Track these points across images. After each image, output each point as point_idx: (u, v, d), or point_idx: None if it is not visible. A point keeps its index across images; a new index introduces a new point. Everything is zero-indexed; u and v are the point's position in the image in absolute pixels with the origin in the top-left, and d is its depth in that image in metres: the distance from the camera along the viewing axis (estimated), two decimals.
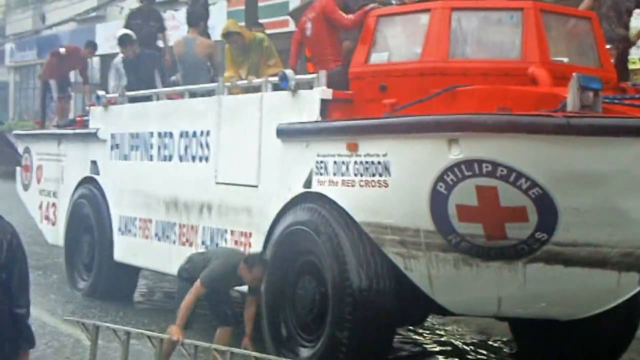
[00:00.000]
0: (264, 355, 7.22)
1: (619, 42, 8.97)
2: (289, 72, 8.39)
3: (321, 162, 7.78)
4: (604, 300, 7.06)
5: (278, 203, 8.26)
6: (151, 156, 10.32)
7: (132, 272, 11.07)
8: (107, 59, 30.78)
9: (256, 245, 8.47)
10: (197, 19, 11.71)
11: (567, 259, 6.71)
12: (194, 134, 9.61)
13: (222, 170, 9.18)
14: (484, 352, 9.35)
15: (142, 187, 10.45)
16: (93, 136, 11.40)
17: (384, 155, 7.14)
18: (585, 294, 7.02)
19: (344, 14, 8.77)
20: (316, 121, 8.00)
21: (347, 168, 7.48)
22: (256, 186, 8.64)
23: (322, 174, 7.77)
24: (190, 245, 9.48)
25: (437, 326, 10.35)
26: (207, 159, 9.40)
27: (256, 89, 9.05)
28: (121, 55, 12.19)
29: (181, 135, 9.82)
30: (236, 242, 8.82)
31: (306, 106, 8.15)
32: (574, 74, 6.35)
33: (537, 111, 6.47)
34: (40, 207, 12.78)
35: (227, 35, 9.73)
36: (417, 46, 7.81)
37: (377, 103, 7.60)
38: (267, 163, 8.52)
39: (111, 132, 11.13)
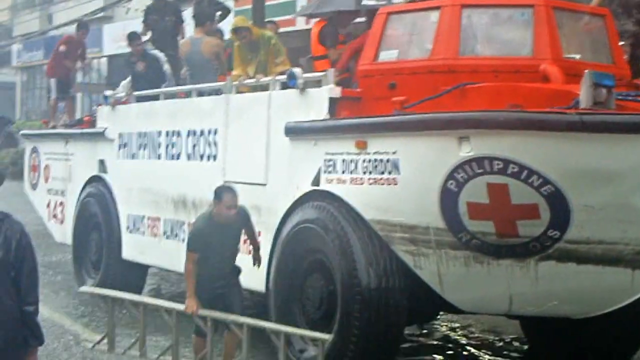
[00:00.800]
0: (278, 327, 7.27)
1: (627, 39, 8.85)
2: (297, 70, 8.33)
3: (330, 160, 7.71)
4: (617, 298, 6.96)
5: (286, 201, 8.18)
6: (159, 155, 10.26)
7: (140, 270, 11.00)
8: (114, 59, 30.80)
9: (265, 244, 8.38)
10: (204, 19, 11.61)
11: (580, 257, 6.63)
12: (202, 132, 9.54)
13: (230, 168, 9.11)
14: (494, 351, 9.26)
15: (150, 186, 10.39)
16: (101, 135, 11.34)
17: (394, 153, 7.06)
18: (598, 292, 6.93)
19: None
20: (324, 119, 7.91)
21: (356, 166, 7.40)
22: (264, 184, 8.57)
23: (330, 172, 7.70)
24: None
25: (446, 324, 10.26)
26: (215, 158, 9.34)
27: (264, 87, 8.98)
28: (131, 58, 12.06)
29: (189, 134, 9.76)
30: (244, 241, 8.72)
31: (314, 104, 8.08)
32: (586, 70, 6.28)
33: (550, 108, 6.37)
34: (48, 205, 12.72)
35: (236, 30, 9.64)
36: (427, 44, 7.73)
37: (386, 101, 7.51)
38: (275, 161, 8.44)
39: (119, 131, 11.07)
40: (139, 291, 11.29)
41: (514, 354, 9.19)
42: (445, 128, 6.69)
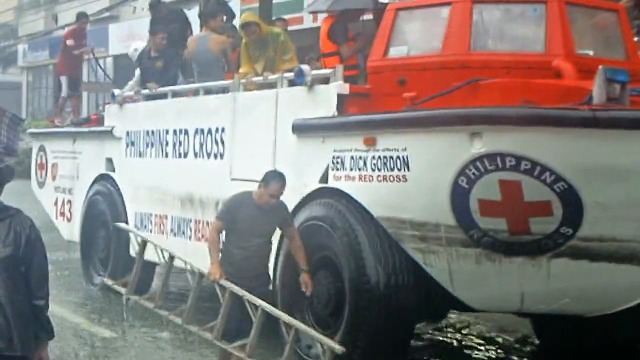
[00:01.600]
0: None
1: (637, 34, 8.76)
2: (305, 67, 8.26)
3: (338, 157, 7.63)
4: (630, 296, 6.86)
5: (294, 198, 8.09)
6: (166, 153, 10.20)
7: (147, 268, 10.91)
8: (119, 59, 30.74)
9: (272, 241, 8.29)
10: (209, 16, 11.51)
11: (593, 255, 6.54)
12: (209, 130, 9.47)
13: (237, 166, 9.03)
14: (504, 349, 9.18)
15: (157, 184, 10.33)
16: (108, 134, 11.29)
17: (404, 149, 6.98)
18: (611, 290, 6.83)
19: None
20: (333, 116, 7.83)
21: (365, 163, 7.32)
22: None
23: (338, 169, 7.63)
24: (206, 240, 9.31)
25: (455, 322, 10.18)
26: (222, 156, 9.27)
27: (271, 85, 8.90)
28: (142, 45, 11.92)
29: (196, 132, 9.69)
30: None
31: (322, 101, 8.00)
32: (600, 66, 6.19)
33: (563, 104, 6.28)
34: (56, 203, 12.68)
35: (244, 25, 9.55)
36: (437, 39, 7.64)
37: (396, 97, 7.43)
38: (283, 159, 8.36)
39: (126, 129, 11.00)
40: (146, 289, 11.26)
41: (524, 353, 9.10)
42: (456, 124, 6.59)
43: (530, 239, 6.56)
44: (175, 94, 10.52)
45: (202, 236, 9.40)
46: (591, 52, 7.51)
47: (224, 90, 9.69)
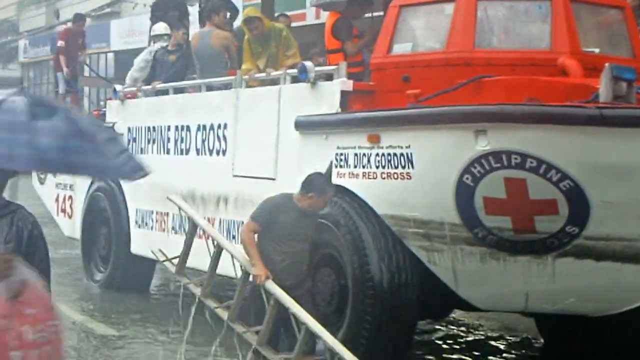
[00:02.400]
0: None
1: None
2: (308, 64, 8.22)
3: (341, 154, 7.57)
4: (636, 296, 6.82)
5: None
6: (168, 150, 10.15)
7: (148, 265, 10.89)
8: (120, 55, 30.70)
9: None
10: (213, 12, 11.45)
11: (599, 254, 6.49)
12: (211, 127, 9.42)
13: (239, 163, 8.98)
14: (508, 349, 9.12)
15: (159, 181, 10.20)
16: None
17: (408, 147, 6.93)
18: (617, 289, 6.79)
19: None
20: (336, 113, 7.77)
21: (369, 160, 7.27)
22: (274, 179, 8.44)
23: (342, 167, 7.57)
24: (207, 238, 9.25)
25: (459, 321, 10.13)
26: (224, 152, 9.22)
27: (274, 81, 8.84)
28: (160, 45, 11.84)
29: (198, 129, 9.64)
30: None
31: (326, 98, 7.95)
32: (606, 64, 6.15)
33: (569, 102, 6.23)
34: (57, 200, 12.63)
35: (247, 20, 9.50)
36: (441, 36, 7.59)
37: (400, 94, 7.38)
38: (285, 156, 8.31)
39: (128, 125, 10.94)
40: (147, 286, 11.24)
41: (529, 353, 9.05)
42: (461, 121, 6.54)
43: (535, 238, 6.51)
44: (178, 90, 10.47)
45: (203, 233, 9.34)
46: (597, 50, 7.44)
47: (226, 86, 9.64)
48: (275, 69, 9.06)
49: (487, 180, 6.40)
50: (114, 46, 31.28)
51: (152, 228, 10.32)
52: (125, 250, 10.78)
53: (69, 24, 15.14)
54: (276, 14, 12.75)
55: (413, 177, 6.89)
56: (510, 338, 9.47)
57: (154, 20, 12.03)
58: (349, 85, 7.85)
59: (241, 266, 7.46)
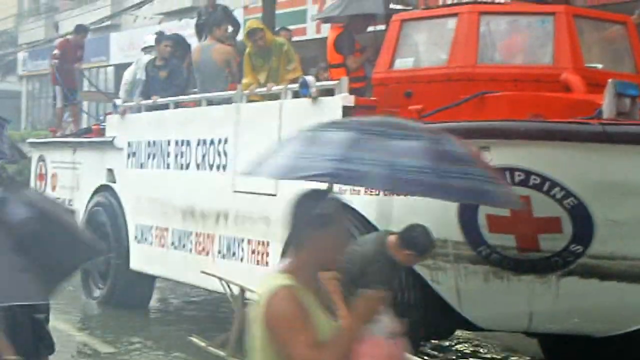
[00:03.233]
0: None
1: None
2: (309, 78, 8.19)
3: None
4: None
5: None
6: (168, 164, 10.14)
7: (147, 281, 10.88)
8: (120, 68, 30.70)
9: (274, 255, 8.23)
10: (215, 25, 11.46)
11: (603, 273, 6.46)
12: (212, 141, 9.41)
13: (239, 178, 8.95)
14: None
15: (158, 195, 10.27)
16: (109, 144, 11.23)
17: None
18: (622, 309, 6.75)
19: None
20: None
21: None
22: (274, 195, 8.40)
23: None
24: (207, 254, 9.26)
25: (462, 341, 10.08)
26: (224, 167, 9.20)
27: (275, 96, 8.84)
28: (149, 56, 11.86)
29: (199, 143, 9.63)
30: (253, 252, 8.59)
31: (327, 113, 7.91)
32: (609, 80, 6.14)
33: (572, 118, 6.22)
34: None
35: (251, 32, 9.50)
36: (444, 51, 7.59)
37: (402, 110, 7.36)
38: None
39: (128, 140, 10.94)
40: (146, 303, 11.21)
41: None
42: (464, 137, 6.45)
43: (539, 257, 6.49)
44: (178, 105, 10.47)
45: (203, 249, 9.33)
46: (600, 65, 7.45)
47: (227, 100, 9.63)
48: (276, 84, 9.06)
49: None
50: (114, 60, 31.27)
51: (151, 243, 10.31)
52: (124, 266, 10.75)
53: (70, 38, 14.99)
54: (277, 28, 12.75)
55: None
56: (514, 359, 9.43)
57: (158, 41, 11.92)
58: (350, 100, 7.84)
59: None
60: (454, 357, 9.36)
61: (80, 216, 11.75)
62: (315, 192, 3.76)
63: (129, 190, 10.90)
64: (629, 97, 6.12)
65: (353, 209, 7.42)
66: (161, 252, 10.08)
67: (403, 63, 7.85)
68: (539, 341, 8.86)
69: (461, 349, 9.76)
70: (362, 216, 7.37)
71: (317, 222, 3.60)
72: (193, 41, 12.53)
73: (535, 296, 6.70)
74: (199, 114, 9.93)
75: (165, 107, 10.59)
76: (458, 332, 9.47)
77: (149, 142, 10.55)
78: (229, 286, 8.14)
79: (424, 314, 7.19)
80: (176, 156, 10.02)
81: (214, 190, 9.28)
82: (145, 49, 12.49)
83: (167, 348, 8.97)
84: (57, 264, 3.85)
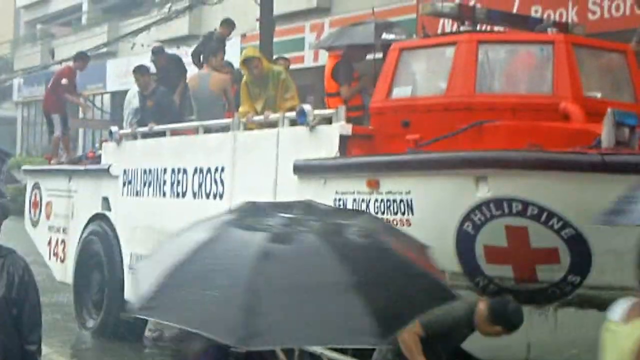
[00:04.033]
0: None
1: None
2: (307, 107, 8.25)
3: (340, 199, 7.59)
4: None
5: None
6: (164, 192, 10.15)
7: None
8: (117, 95, 30.81)
9: None
10: (211, 54, 11.58)
11: (602, 304, 6.43)
12: (209, 170, 9.44)
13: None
14: None
15: (154, 224, 10.26)
16: (105, 172, 11.25)
17: (407, 193, 6.95)
18: None
19: None
20: (335, 157, 7.81)
21: (367, 206, 7.28)
22: None
23: None
24: None
25: None
26: (221, 196, 9.23)
27: (272, 124, 8.89)
28: (135, 87, 12.04)
29: (195, 172, 9.66)
30: None
31: (325, 142, 7.98)
32: (608, 109, 6.18)
33: (570, 148, 6.27)
34: (49, 243, 12.61)
35: (247, 60, 9.57)
36: (442, 80, 7.65)
37: (400, 139, 7.43)
38: (283, 200, 8.31)
39: (124, 167, 10.97)
40: (140, 334, 11.18)
41: None
42: (461, 167, 6.58)
43: (537, 287, 6.52)
44: (174, 133, 10.52)
45: None
46: (599, 95, 7.50)
47: (224, 128, 9.68)
48: (273, 112, 9.12)
49: (488, 228, 6.43)
50: (111, 87, 31.38)
51: None
52: (118, 296, 10.71)
53: (70, 63, 14.94)
54: (275, 56, 12.85)
55: (413, 224, 6.90)
56: None
57: (134, 72, 12.05)
58: (348, 129, 7.89)
59: None
60: None
61: (75, 245, 11.78)
62: None
63: (125, 218, 10.91)
64: (628, 127, 6.17)
65: None
66: None
67: (401, 92, 7.91)
68: None
69: None
70: None
71: None
72: (192, 68, 12.66)
73: (533, 327, 6.71)
74: (195, 142, 9.97)
75: (161, 134, 10.64)
76: None
77: (145, 170, 10.57)
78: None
79: (420, 345, 7.20)
80: (172, 184, 10.04)
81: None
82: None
83: None
84: (400, 303, 3.66)
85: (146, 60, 13.20)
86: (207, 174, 9.48)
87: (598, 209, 6.11)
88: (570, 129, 6.83)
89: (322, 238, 3.79)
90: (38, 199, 13.06)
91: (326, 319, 3.57)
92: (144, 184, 10.57)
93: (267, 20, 16.38)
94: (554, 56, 7.36)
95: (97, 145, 14.61)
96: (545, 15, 14.87)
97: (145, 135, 10.95)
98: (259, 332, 3.50)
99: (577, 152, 6.19)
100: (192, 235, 4.00)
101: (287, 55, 13.37)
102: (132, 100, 12.41)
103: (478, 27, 8.26)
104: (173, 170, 10.04)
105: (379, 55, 9.51)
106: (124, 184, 10.94)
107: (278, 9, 18.25)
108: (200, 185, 9.56)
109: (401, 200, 6.98)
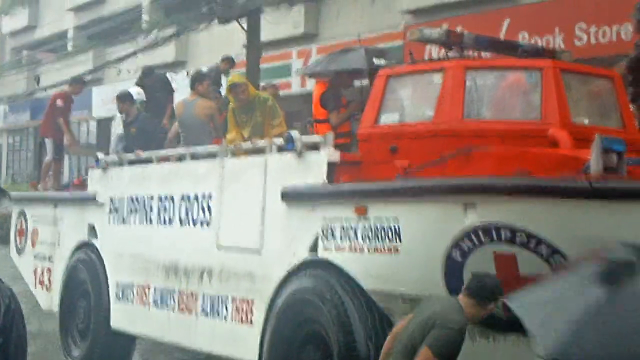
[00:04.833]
0: None
1: (631, 101, 8.80)
2: (294, 133, 8.25)
3: (328, 226, 7.59)
4: None
5: (282, 269, 8.05)
6: (151, 220, 10.14)
7: (128, 341, 10.80)
8: (103, 122, 30.82)
9: (258, 313, 8.23)
10: (197, 81, 11.59)
11: None
12: (196, 197, 9.44)
13: (224, 234, 8.98)
14: None
15: (141, 252, 10.25)
16: (91, 199, 11.22)
17: (395, 219, 6.95)
18: None
19: None
20: (323, 184, 7.82)
21: (356, 233, 7.29)
22: (259, 251, 8.45)
23: (328, 239, 7.59)
24: (190, 312, 9.23)
25: None
26: (208, 223, 9.22)
27: (260, 151, 8.90)
28: (119, 115, 12.09)
29: (182, 199, 9.65)
30: (237, 310, 8.58)
31: (312, 168, 7.99)
32: (596, 135, 6.19)
33: (559, 174, 6.28)
34: (35, 271, 12.55)
35: (233, 86, 9.58)
36: (429, 106, 7.67)
37: (387, 165, 7.44)
38: (271, 227, 8.33)
39: (110, 195, 10.95)
40: None
41: None
42: (449, 194, 6.59)
43: None
44: (161, 159, 10.51)
45: (186, 307, 9.31)
46: (587, 121, 7.54)
47: (211, 155, 9.67)
48: (260, 138, 9.12)
49: (476, 255, 6.43)
50: (96, 113, 31.40)
51: (132, 301, 10.27)
52: (105, 324, 10.67)
53: (66, 87, 14.94)
54: (263, 83, 12.89)
55: (401, 251, 6.90)
56: None
57: (117, 98, 12.12)
58: (335, 155, 7.91)
59: None
60: None
61: (61, 274, 11.72)
62: None
63: (111, 246, 10.88)
64: (616, 153, 6.19)
65: (337, 266, 7.47)
66: (143, 311, 10.04)
67: (388, 118, 7.93)
68: None
69: None
70: (347, 274, 7.40)
71: None
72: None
73: (522, 356, 6.69)
74: (182, 169, 9.95)
75: (148, 161, 10.63)
76: None
77: (131, 198, 10.55)
78: None
79: None
80: (159, 212, 10.03)
81: (197, 246, 9.29)
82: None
83: None
84: None
85: (133, 86, 13.20)
86: (194, 201, 9.48)
87: (586, 236, 6.16)
88: (558, 155, 6.84)
89: None
90: (24, 226, 13.01)
91: None
92: (131, 212, 10.55)
93: (254, 46, 16.47)
94: (542, 82, 7.39)
95: (83, 172, 14.56)
96: (532, 41, 15.01)
97: (131, 162, 10.94)
98: None
99: (566, 178, 6.20)
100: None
101: (274, 82, 13.41)
102: (118, 127, 12.45)
103: (465, 53, 8.29)
104: (160, 198, 10.03)
105: (367, 81, 9.56)
106: (110, 212, 10.92)
107: (265, 35, 18.35)
108: (187, 213, 9.55)
109: (389, 227, 6.99)
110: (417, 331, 6.04)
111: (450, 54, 8.17)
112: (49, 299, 12.17)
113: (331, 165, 7.87)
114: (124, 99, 11.82)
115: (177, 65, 25.95)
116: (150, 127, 11.64)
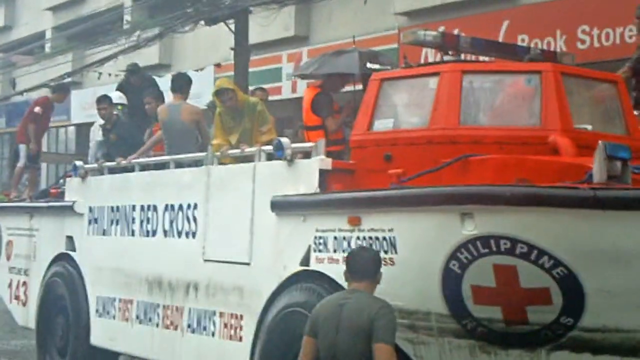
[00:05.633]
0: None
1: (635, 106, 8.86)
2: (284, 140, 8.27)
3: (320, 237, 7.62)
4: None
5: (272, 282, 8.07)
6: (133, 231, 10.15)
7: (109, 358, 10.80)
8: (82, 128, 30.74)
9: (248, 328, 8.24)
10: (183, 84, 11.59)
11: (596, 347, 6.49)
12: (180, 207, 9.45)
13: (210, 246, 9.00)
14: None
15: (122, 265, 10.25)
16: (69, 209, 11.22)
17: (390, 230, 6.97)
18: None
19: None
20: (314, 193, 7.84)
21: (349, 244, 7.30)
22: (248, 264, 8.47)
23: (321, 251, 7.61)
24: (175, 328, 9.24)
25: None
26: (194, 235, 9.23)
27: (248, 158, 8.92)
28: (98, 122, 12.11)
29: (166, 209, 9.66)
30: (226, 325, 8.59)
31: (303, 177, 8.02)
32: (600, 142, 6.21)
33: (560, 183, 6.31)
34: (10, 285, 12.56)
35: (219, 92, 9.60)
36: (425, 112, 7.68)
37: (382, 174, 7.46)
38: (260, 239, 8.35)
39: (89, 205, 10.95)
40: None
41: None
42: (446, 203, 6.60)
43: (527, 330, 6.51)
44: (143, 167, 10.52)
45: (171, 323, 9.32)
46: (589, 127, 7.55)
47: (196, 163, 9.68)
48: (249, 145, 9.14)
49: (475, 267, 6.44)
50: (75, 119, 31.35)
51: (114, 317, 10.27)
52: (84, 341, 10.70)
53: (49, 93, 14.99)
54: (252, 88, 12.90)
55: (396, 263, 6.92)
56: None
57: (97, 101, 12.17)
58: (327, 163, 7.93)
59: None
60: None
61: (37, 288, 11.72)
62: None
63: (90, 259, 10.88)
64: (620, 160, 6.19)
65: (330, 279, 7.49)
66: (125, 327, 10.05)
67: (382, 124, 7.95)
68: None
69: None
70: (340, 286, 7.40)
71: None
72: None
73: None
74: (166, 177, 9.97)
75: (129, 169, 10.64)
76: None
77: (112, 207, 10.56)
78: None
79: None
80: (142, 222, 10.04)
81: (182, 259, 9.30)
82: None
83: None
84: None
85: (113, 91, 13.24)
86: (178, 211, 9.49)
87: (590, 246, 6.19)
88: (560, 162, 6.87)
89: None
90: None
91: None
92: (111, 222, 10.56)
93: (242, 49, 16.50)
94: (542, 87, 7.41)
95: (60, 181, 14.57)
96: (532, 44, 15.05)
97: (112, 170, 10.95)
98: None
99: (568, 187, 6.20)
100: None
101: (263, 86, 13.43)
102: (97, 133, 12.46)
103: (462, 57, 8.32)
104: (142, 208, 10.05)
105: (359, 86, 9.60)
106: (90, 222, 10.92)
107: (253, 37, 18.37)
108: (171, 223, 9.56)
109: (384, 238, 7.01)
110: (346, 344, 6.20)
111: (446, 57, 8.20)
112: (25, 314, 12.17)
113: (323, 174, 7.89)
114: (105, 102, 11.85)
115: (161, 68, 25.93)
116: (129, 133, 11.66)
